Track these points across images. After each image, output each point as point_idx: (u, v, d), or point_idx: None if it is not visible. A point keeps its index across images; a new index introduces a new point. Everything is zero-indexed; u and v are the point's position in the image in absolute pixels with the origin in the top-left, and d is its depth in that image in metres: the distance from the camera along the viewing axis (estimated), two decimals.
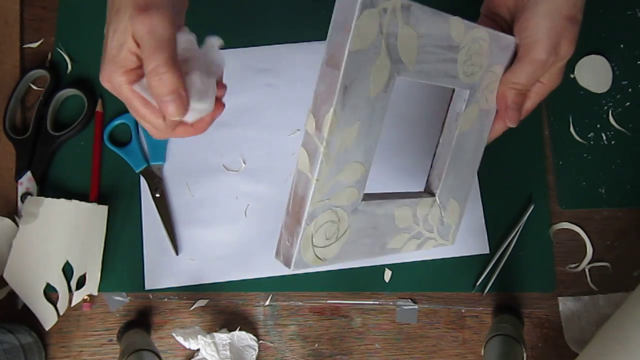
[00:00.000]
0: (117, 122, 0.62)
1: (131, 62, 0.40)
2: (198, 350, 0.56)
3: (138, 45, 0.39)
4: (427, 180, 0.48)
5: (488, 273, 0.59)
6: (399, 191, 0.46)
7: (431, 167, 0.48)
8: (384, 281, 0.59)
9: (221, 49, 0.47)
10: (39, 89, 0.64)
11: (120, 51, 0.40)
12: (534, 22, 0.44)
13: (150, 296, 0.59)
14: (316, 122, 0.37)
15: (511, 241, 0.59)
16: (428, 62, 0.41)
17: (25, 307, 0.57)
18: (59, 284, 0.57)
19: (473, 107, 0.46)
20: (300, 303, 0.59)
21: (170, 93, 0.39)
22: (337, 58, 0.36)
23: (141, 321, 0.59)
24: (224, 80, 0.50)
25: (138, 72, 0.41)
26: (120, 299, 0.59)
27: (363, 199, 0.41)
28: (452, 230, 0.49)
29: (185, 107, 0.40)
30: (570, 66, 0.63)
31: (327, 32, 0.59)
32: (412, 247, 0.47)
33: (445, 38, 0.41)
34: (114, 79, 0.41)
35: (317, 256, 0.40)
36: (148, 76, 0.39)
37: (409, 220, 0.45)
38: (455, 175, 0.48)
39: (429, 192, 0.48)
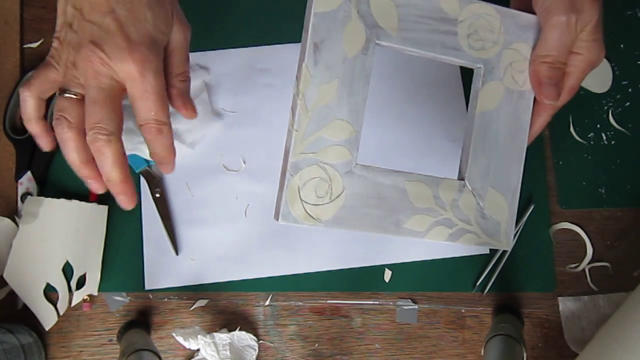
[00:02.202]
0: None
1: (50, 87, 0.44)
2: (198, 350, 0.56)
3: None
4: (459, 165, 0.47)
5: (488, 273, 0.59)
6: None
7: (462, 150, 0.47)
8: (384, 281, 0.59)
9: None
10: None
11: (66, 74, 0.42)
12: None
13: (150, 296, 0.59)
14: (296, 80, 0.41)
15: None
16: (416, 30, 0.43)
17: (25, 307, 0.57)
18: (59, 284, 0.57)
19: (495, 85, 0.45)
20: (300, 303, 0.59)
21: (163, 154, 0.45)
22: (306, 19, 0.41)
23: (141, 321, 0.59)
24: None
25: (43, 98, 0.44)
26: (120, 299, 0.59)
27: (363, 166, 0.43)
28: (501, 228, 0.47)
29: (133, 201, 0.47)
30: None
31: None
32: (442, 236, 0.45)
33: (436, 10, 0.43)
34: (33, 89, 0.45)
35: (308, 213, 0.41)
36: (146, 127, 0.43)
37: (429, 201, 0.44)
38: (490, 162, 0.46)
39: (460, 178, 0.46)
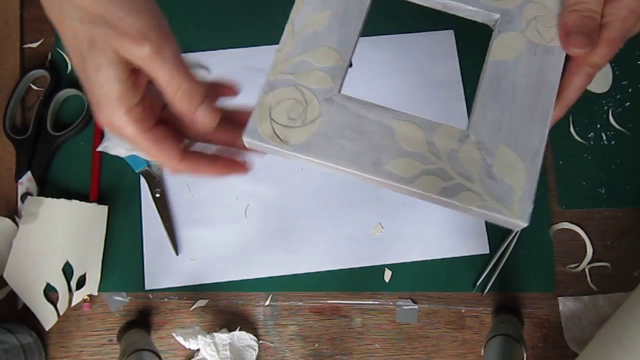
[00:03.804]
0: None
1: (132, 97, 0.35)
2: (198, 350, 0.56)
3: (134, 75, 0.35)
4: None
5: (488, 273, 0.59)
6: None
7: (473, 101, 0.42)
8: (384, 281, 0.59)
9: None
10: (39, 89, 0.64)
11: (114, 88, 0.34)
12: None
13: (150, 296, 0.59)
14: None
15: (511, 241, 0.59)
16: None
17: (25, 307, 0.57)
18: (59, 284, 0.57)
19: (513, 36, 0.42)
20: (300, 303, 0.59)
21: (201, 104, 0.37)
22: None
23: (141, 321, 0.59)
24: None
25: (141, 107, 0.36)
26: (120, 299, 0.59)
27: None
28: (514, 194, 0.40)
29: (217, 115, 0.37)
30: None
31: None
32: (433, 187, 0.38)
33: None
34: (116, 120, 0.35)
35: (276, 133, 0.38)
36: (172, 100, 0.36)
37: (420, 146, 0.39)
38: (503, 116, 0.40)
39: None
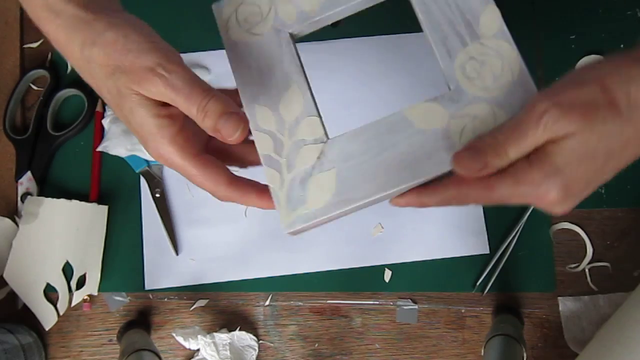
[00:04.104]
0: None
1: (170, 127, 0.36)
2: (198, 350, 0.56)
3: (166, 107, 0.36)
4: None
5: (488, 273, 0.59)
6: None
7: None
8: (384, 281, 0.59)
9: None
10: (39, 89, 0.64)
11: (151, 124, 0.36)
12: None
13: (150, 296, 0.59)
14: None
15: (511, 241, 0.59)
16: None
17: (25, 307, 0.57)
18: (59, 284, 0.57)
19: None
20: (300, 303, 0.59)
21: (220, 116, 0.35)
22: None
23: (141, 321, 0.59)
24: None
25: (183, 135, 0.37)
26: (120, 299, 0.59)
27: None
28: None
29: (240, 121, 0.36)
30: (570, 66, 0.63)
31: (325, 33, 0.59)
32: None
33: None
34: (163, 152, 0.37)
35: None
36: (197, 122, 0.36)
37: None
38: None
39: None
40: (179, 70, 0.35)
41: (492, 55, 0.38)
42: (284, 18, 0.41)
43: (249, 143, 0.41)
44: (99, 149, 0.59)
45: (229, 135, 0.36)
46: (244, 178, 0.41)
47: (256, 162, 0.41)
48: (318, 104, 0.40)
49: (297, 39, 0.42)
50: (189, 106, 0.35)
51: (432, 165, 0.37)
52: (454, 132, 0.37)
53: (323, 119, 0.40)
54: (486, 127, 0.37)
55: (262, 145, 0.39)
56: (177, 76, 0.35)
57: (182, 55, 0.66)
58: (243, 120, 0.36)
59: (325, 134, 0.39)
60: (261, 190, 0.40)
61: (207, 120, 0.35)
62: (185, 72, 0.36)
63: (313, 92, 0.40)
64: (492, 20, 0.39)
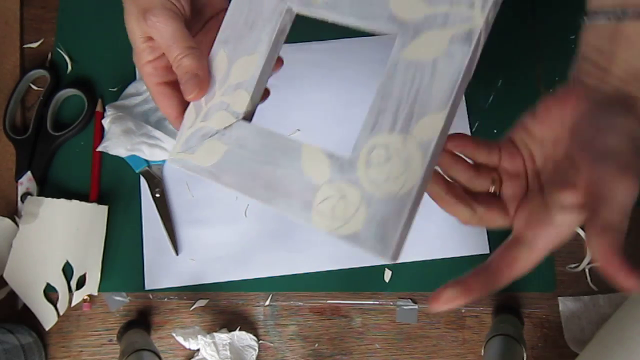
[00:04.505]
0: None
1: (148, 54, 0.44)
2: (198, 350, 0.56)
3: (149, 39, 0.43)
4: None
5: None
6: None
7: None
8: (384, 281, 0.59)
9: None
10: (39, 89, 0.64)
11: (138, 46, 0.44)
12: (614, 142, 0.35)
13: (150, 296, 0.59)
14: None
15: None
16: None
17: (25, 307, 0.57)
18: (59, 284, 0.57)
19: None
20: (300, 303, 0.59)
21: (185, 74, 0.42)
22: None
23: (141, 321, 0.59)
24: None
25: (152, 65, 0.44)
26: (120, 299, 0.59)
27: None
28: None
29: (199, 86, 0.42)
30: (570, 66, 0.63)
31: (325, 33, 0.59)
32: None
33: None
34: (141, 69, 0.45)
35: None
36: (173, 68, 0.43)
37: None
38: None
39: None
40: (168, 22, 0.42)
41: (401, 159, 0.36)
42: None
43: None
44: (99, 149, 0.59)
45: (186, 93, 0.42)
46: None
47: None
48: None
49: (293, 17, 0.43)
50: (168, 54, 0.42)
51: (284, 203, 0.38)
52: (318, 195, 0.37)
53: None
54: (344, 213, 0.36)
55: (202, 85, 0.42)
56: (165, 26, 0.42)
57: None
58: (202, 85, 0.42)
59: (245, 112, 0.42)
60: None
61: (177, 71, 0.42)
62: (174, 24, 0.42)
63: (269, 65, 0.43)
64: (431, 127, 0.35)
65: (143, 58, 0.44)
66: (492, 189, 0.41)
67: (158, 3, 0.42)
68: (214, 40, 0.44)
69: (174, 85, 0.44)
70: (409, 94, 0.36)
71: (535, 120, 0.41)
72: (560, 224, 0.36)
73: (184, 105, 0.44)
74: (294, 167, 0.39)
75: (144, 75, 0.45)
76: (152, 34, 0.42)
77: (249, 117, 0.43)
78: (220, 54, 0.43)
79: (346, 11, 0.40)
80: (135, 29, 0.43)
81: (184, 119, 0.43)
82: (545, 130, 0.41)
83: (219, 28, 0.44)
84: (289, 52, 0.63)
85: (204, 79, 0.42)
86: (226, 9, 0.44)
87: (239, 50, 0.43)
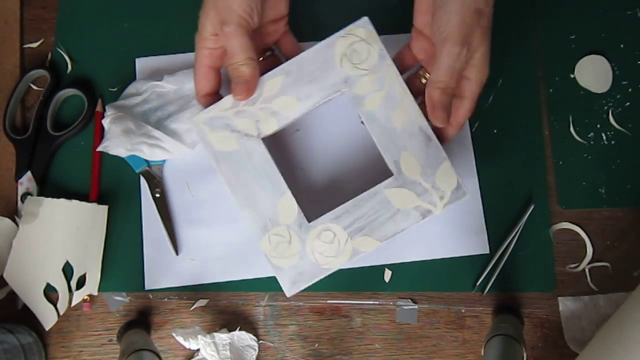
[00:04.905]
0: None
1: (210, 43, 0.52)
2: (198, 350, 0.56)
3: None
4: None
5: (488, 273, 0.59)
6: None
7: None
8: (384, 281, 0.59)
9: None
10: (39, 89, 0.64)
11: (205, 36, 0.52)
12: (444, 19, 0.48)
13: (150, 296, 0.59)
14: None
15: (511, 241, 0.59)
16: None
17: (25, 307, 0.57)
18: (59, 284, 0.57)
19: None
20: (300, 303, 0.59)
21: (239, 77, 0.51)
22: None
23: (141, 321, 0.59)
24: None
25: (213, 51, 0.52)
26: (120, 299, 0.59)
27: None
28: None
29: (247, 92, 0.51)
30: (570, 66, 0.63)
31: (325, 32, 0.60)
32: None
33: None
34: (199, 50, 0.53)
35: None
36: (227, 66, 0.51)
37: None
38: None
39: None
40: (239, 37, 0.50)
41: (338, 249, 0.53)
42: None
43: None
44: (99, 149, 0.59)
45: (235, 93, 0.51)
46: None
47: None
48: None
49: (344, 96, 0.54)
50: (230, 58, 0.50)
51: (251, 217, 0.53)
52: (275, 229, 0.53)
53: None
54: (283, 251, 0.53)
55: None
56: (235, 40, 0.50)
57: (181, 55, 0.67)
58: (249, 92, 0.52)
59: (266, 135, 0.54)
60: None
61: (232, 73, 0.51)
62: (242, 39, 0.50)
63: (303, 116, 0.54)
64: (366, 245, 0.53)
65: (204, 45, 0.52)
66: (423, 81, 0.55)
67: (235, 19, 0.49)
68: (266, 43, 0.56)
69: (216, 71, 0.54)
70: (370, 216, 0.52)
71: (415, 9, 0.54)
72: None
73: (216, 89, 0.54)
74: (273, 200, 0.53)
75: (199, 54, 0.53)
76: (223, 41, 0.51)
77: (266, 140, 0.53)
78: (277, 78, 0.52)
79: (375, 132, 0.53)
80: (208, 26, 0.51)
81: (222, 101, 0.53)
82: (421, 16, 0.53)
83: (272, 33, 0.56)
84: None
85: (252, 88, 0.51)
86: (286, 16, 0.55)
87: (291, 88, 0.53)
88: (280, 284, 0.52)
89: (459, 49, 0.47)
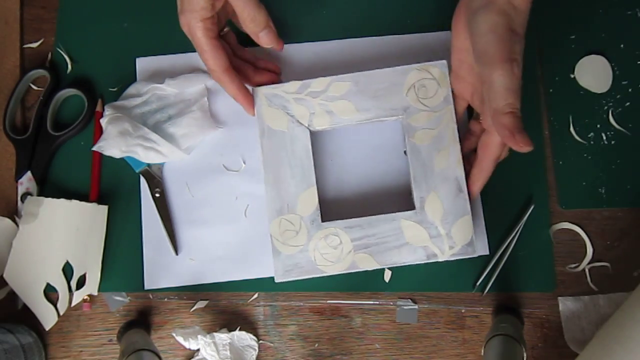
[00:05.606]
0: None
1: (207, 11, 0.51)
2: (198, 350, 0.56)
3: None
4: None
5: (488, 273, 0.59)
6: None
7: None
8: (384, 281, 0.59)
9: None
10: (39, 89, 0.64)
11: (200, 4, 0.51)
12: (483, 42, 0.46)
13: (150, 296, 0.59)
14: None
15: (511, 241, 0.59)
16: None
17: (25, 307, 0.57)
18: (59, 284, 0.57)
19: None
20: (300, 303, 0.59)
21: (263, 29, 0.54)
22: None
23: (141, 321, 0.59)
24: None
25: (210, 21, 0.52)
26: (120, 299, 0.59)
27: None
28: None
29: (276, 37, 0.55)
30: (570, 66, 0.63)
31: (326, 32, 0.59)
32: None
33: None
34: (192, 24, 0.52)
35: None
36: (243, 22, 0.54)
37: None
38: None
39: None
40: None
41: (340, 256, 0.55)
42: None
43: (259, 70, 0.59)
44: (94, 148, 0.59)
45: (267, 43, 0.56)
46: (237, 71, 0.56)
47: (258, 84, 0.58)
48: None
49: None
50: (243, 12, 0.53)
51: (272, 193, 0.56)
52: (287, 216, 0.56)
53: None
54: (288, 239, 0.55)
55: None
56: None
57: (182, 55, 0.67)
58: (276, 36, 0.56)
59: (319, 129, 0.57)
60: (243, 87, 0.56)
61: (255, 26, 0.54)
62: None
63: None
64: (365, 263, 0.55)
65: (203, 15, 0.51)
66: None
67: None
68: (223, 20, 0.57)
69: (220, 40, 0.54)
70: (379, 238, 0.55)
71: (452, 33, 0.53)
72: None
73: (230, 60, 0.55)
74: (298, 189, 0.55)
75: (201, 30, 0.52)
76: (220, 4, 0.52)
77: (314, 134, 0.57)
78: (346, 83, 0.57)
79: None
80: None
81: (288, 83, 0.57)
82: (459, 42, 0.52)
83: None
84: (289, 52, 0.63)
85: (276, 32, 0.56)
86: None
87: (354, 97, 0.57)
88: (274, 267, 0.55)
89: (509, 66, 0.45)
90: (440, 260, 0.55)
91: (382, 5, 0.64)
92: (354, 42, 0.63)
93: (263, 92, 0.56)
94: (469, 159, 0.56)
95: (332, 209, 0.58)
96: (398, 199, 0.59)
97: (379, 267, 0.55)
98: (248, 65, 0.59)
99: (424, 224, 0.55)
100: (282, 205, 0.55)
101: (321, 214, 0.55)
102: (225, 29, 0.58)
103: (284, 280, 0.54)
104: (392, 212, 0.55)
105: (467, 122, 0.58)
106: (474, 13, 0.48)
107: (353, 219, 0.55)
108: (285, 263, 0.54)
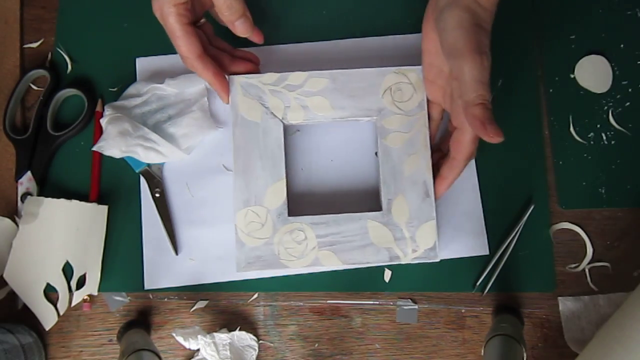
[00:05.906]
0: None
1: None
2: (198, 350, 0.56)
3: None
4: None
5: (488, 273, 0.59)
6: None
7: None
8: (384, 281, 0.59)
9: None
10: (39, 89, 0.64)
11: None
12: (451, 37, 0.47)
13: (150, 296, 0.59)
14: None
15: (511, 241, 0.59)
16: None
17: (25, 307, 0.57)
18: (59, 284, 0.57)
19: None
20: (300, 303, 0.59)
21: (239, 17, 0.54)
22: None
23: (141, 321, 0.59)
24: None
25: (184, 7, 0.51)
26: (120, 299, 0.59)
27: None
28: None
29: (252, 26, 0.55)
30: (570, 66, 0.63)
31: (325, 32, 0.59)
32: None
33: None
34: (164, 9, 0.51)
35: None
36: (219, 10, 0.53)
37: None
38: None
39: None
40: None
41: (304, 251, 0.55)
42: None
43: (236, 59, 0.58)
44: (94, 148, 0.59)
45: (242, 32, 0.56)
46: (213, 59, 0.55)
47: (235, 72, 0.57)
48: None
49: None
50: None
51: (240, 184, 0.56)
52: (253, 207, 0.56)
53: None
54: (252, 231, 0.55)
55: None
56: None
57: (177, 55, 0.66)
58: (251, 25, 0.56)
59: (295, 125, 0.58)
60: (219, 73, 0.55)
61: (230, 14, 0.53)
62: None
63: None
64: (331, 261, 0.55)
65: (176, 2, 0.50)
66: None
67: None
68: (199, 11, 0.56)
69: (194, 27, 0.53)
70: (344, 237, 0.55)
71: (422, 36, 0.54)
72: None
73: (203, 47, 0.53)
74: (267, 181, 0.55)
75: (173, 15, 0.51)
76: None
77: (287, 127, 0.58)
78: (323, 79, 0.57)
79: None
80: None
81: (266, 74, 0.56)
82: (429, 44, 0.53)
83: None
84: (288, 52, 0.63)
85: (251, 20, 0.55)
86: None
87: (330, 94, 0.57)
88: (236, 258, 0.54)
89: (479, 57, 0.46)
90: (402, 262, 0.55)
91: (366, 7, 0.64)
92: (336, 44, 0.63)
93: (239, 80, 0.56)
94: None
95: (299, 204, 0.58)
96: (366, 199, 0.59)
97: (341, 265, 0.55)
98: (225, 54, 0.57)
99: (389, 226, 0.55)
100: (250, 196, 0.55)
101: (288, 209, 0.55)
102: (202, 20, 0.57)
103: (244, 271, 0.54)
104: (360, 212, 0.55)
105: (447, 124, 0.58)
106: (440, 11, 0.48)
107: (320, 216, 0.55)
108: (248, 255, 0.54)
